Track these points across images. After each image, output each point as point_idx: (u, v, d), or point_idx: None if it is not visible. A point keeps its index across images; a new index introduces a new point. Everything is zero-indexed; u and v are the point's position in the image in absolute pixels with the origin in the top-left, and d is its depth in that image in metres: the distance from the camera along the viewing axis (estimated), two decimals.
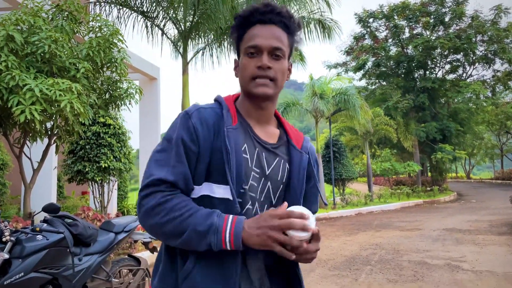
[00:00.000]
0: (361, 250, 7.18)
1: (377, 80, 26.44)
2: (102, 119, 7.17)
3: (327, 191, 17.55)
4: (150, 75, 12.16)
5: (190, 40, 9.58)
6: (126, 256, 4.00)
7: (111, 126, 7.32)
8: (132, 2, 9.11)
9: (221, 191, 1.07)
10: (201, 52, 10.38)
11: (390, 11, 24.18)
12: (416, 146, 23.18)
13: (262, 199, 1.14)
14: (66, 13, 5.65)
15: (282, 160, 1.19)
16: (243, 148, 1.11)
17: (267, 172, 1.15)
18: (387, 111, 21.53)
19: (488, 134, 36.33)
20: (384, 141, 24.52)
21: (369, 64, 25.15)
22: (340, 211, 13.72)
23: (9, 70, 4.44)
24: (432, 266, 5.82)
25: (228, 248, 1.00)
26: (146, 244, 3.91)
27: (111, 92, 6.59)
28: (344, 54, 26.23)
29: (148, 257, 4.99)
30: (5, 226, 2.85)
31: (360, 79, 26.41)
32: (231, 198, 1.06)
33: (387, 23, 24.79)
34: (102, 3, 9.01)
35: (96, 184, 7.47)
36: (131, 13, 9.30)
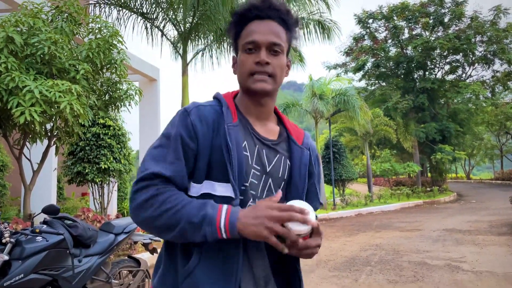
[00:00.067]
0: (361, 250, 7.18)
1: (376, 81, 26.44)
2: (102, 121, 7.17)
3: (327, 191, 17.54)
4: (150, 76, 12.17)
5: (189, 41, 9.58)
6: (126, 258, 3.99)
7: (111, 128, 7.31)
8: (132, 3, 9.11)
9: (222, 189, 1.06)
10: (200, 53, 10.39)
11: (389, 12, 24.18)
12: (415, 147, 23.17)
13: (263, 197, 1.13)
14: (66, 14, 5.66)
15: (283, 157, 1.18)
16: (243, 145, 1.10)
17: (268, 169, 1.14)
18: (387, 112, 21.56)
19: (488, 134, 36.38)
20: (384, 142, 24.52)
21: (369, 64, 25.17)
22: (340, 212, 13.72)
23: (9, 72, 4.44)
24: (432, 267, 5.82)
25: (224, 236, 0.98)
26: (146, 246, 3.90)
27: (111, 94, 6.59)
28: (343, 55, 26.29)
29: (148, 259, 4.99)
30: (5, 228, 2.85)
31: (360, 80, 26.47)
32: (232, 195, 1.05)
33: (386, 24, 24.80)
34: (101, 5, 9.02)
35: (96, 185, 7.46)
36: (130, 15, 9.31)
